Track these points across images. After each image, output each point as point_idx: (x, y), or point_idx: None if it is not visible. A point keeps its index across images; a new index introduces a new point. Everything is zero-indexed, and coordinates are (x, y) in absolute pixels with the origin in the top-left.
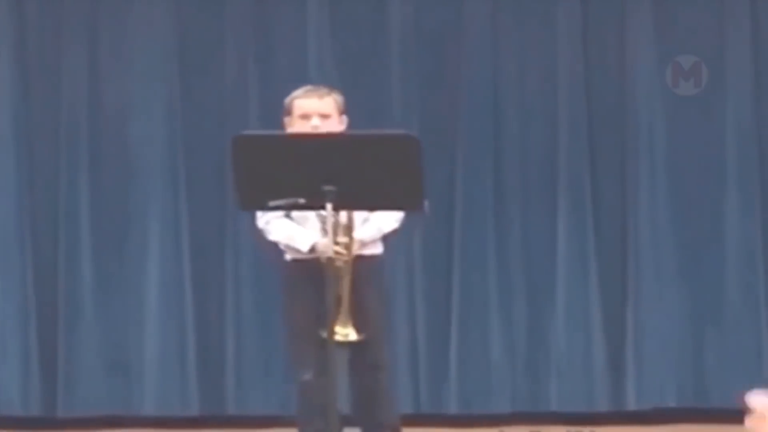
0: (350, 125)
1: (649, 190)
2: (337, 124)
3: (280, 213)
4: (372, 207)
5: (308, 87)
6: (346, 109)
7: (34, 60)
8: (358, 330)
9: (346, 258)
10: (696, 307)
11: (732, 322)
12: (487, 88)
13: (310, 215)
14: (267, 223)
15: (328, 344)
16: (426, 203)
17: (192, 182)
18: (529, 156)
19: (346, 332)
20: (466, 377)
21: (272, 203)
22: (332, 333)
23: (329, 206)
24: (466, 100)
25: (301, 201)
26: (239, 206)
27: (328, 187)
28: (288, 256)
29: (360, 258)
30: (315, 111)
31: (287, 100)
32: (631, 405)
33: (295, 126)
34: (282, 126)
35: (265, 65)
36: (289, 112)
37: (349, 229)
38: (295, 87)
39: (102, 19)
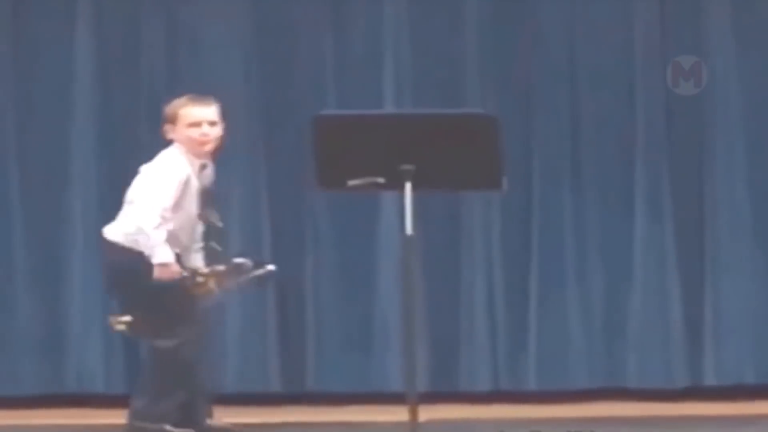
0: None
1: (727, 167)
2: (221, 131)
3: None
4: (450, 186)
5: (192, 95)
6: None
7: (113, 42)
8: None
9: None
10: None
11: None
12: (563, 68)
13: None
14: (158, 226)
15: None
16: (505, 181)
17: (272, 162)
18: (606, 132)
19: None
20: (545, 354)
21: (351, 182)
22: None
23: (408, 185)
24: (542, 80)
25: (380, 180)
26: (318, 186)
27: (406, 166)
28: None
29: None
30: (205, 119)
31: (170, 108)
32: (710, 381)
33: (183, 133)
34: (161, 133)
35: (343, 46)
36: (173, 119)
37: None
38: (372, 68)
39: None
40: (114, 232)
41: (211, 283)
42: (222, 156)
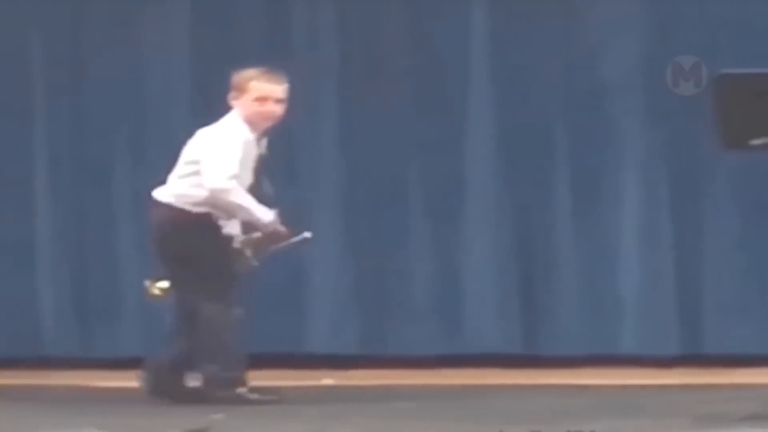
0: None
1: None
2: (284, 109)
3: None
4: None
5: (264, 69)
6: None
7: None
8: None
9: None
10: None
11: None
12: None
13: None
14: (231, 188)
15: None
16: None
17: (671, 121)
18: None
19: None
20: None
21: (755, 142)
22: None
23: None
24: None
25: None
26: (722, 145)
27: None
28: (203, 209)
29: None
30: (273, 96)
31: (240, 77)
32: None
33: (249, 106)
34: (226, 101)
35: None
36: (241, 89)
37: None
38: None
39: None
40: (166, 193)
41: (248, 251)
42: (614, 118)
